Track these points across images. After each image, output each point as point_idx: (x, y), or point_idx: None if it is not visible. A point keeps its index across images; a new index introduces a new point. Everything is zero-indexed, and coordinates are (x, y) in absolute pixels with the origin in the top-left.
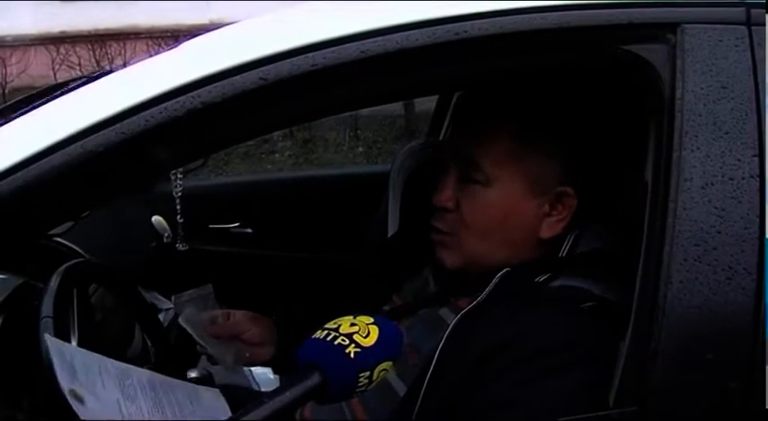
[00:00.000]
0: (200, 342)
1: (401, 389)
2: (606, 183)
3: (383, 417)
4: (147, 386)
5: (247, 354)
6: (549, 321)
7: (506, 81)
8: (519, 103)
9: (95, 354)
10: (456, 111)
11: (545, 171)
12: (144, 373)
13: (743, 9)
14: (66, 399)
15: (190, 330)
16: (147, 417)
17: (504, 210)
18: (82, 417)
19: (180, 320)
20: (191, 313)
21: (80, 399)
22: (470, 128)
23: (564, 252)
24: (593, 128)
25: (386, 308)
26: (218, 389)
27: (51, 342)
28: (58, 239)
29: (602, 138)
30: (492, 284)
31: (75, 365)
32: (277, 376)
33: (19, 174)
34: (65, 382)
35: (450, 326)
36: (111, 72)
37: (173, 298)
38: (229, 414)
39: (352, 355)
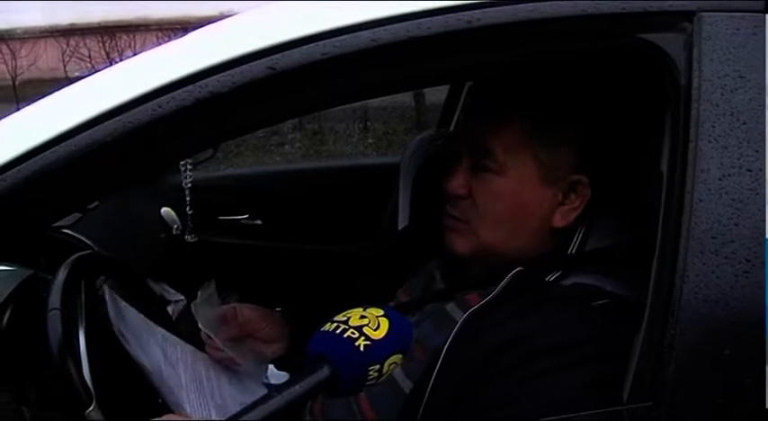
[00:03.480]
0: (222, 347)
1: (407, 385)
2: (621, 173)
3: (390, 414)
4: (190, 360)
5: (270, 352)
6: (560, 319)
7: (520, 69)
8: (532, 91)
9: (141, 315)
10: (468, 99)
11: (558, 159)
12: (187, 347)
13: None
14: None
15: (213, 336)
16: (184, 386)
17: (517, 198)
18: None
19: (201, 327)
20: (207, 318)
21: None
22: (483, 116)
23: (574, 247)
24: (607, 117)
25: (391, 304)
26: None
27: (108, 292)
28: (67, 231)
29: (617, 127)
30: (503, 283)
31: (125, 316)
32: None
33: (25, 164)
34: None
35: (459, 323)
36: None
37: (192, 308)
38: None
39: (361, 348)
